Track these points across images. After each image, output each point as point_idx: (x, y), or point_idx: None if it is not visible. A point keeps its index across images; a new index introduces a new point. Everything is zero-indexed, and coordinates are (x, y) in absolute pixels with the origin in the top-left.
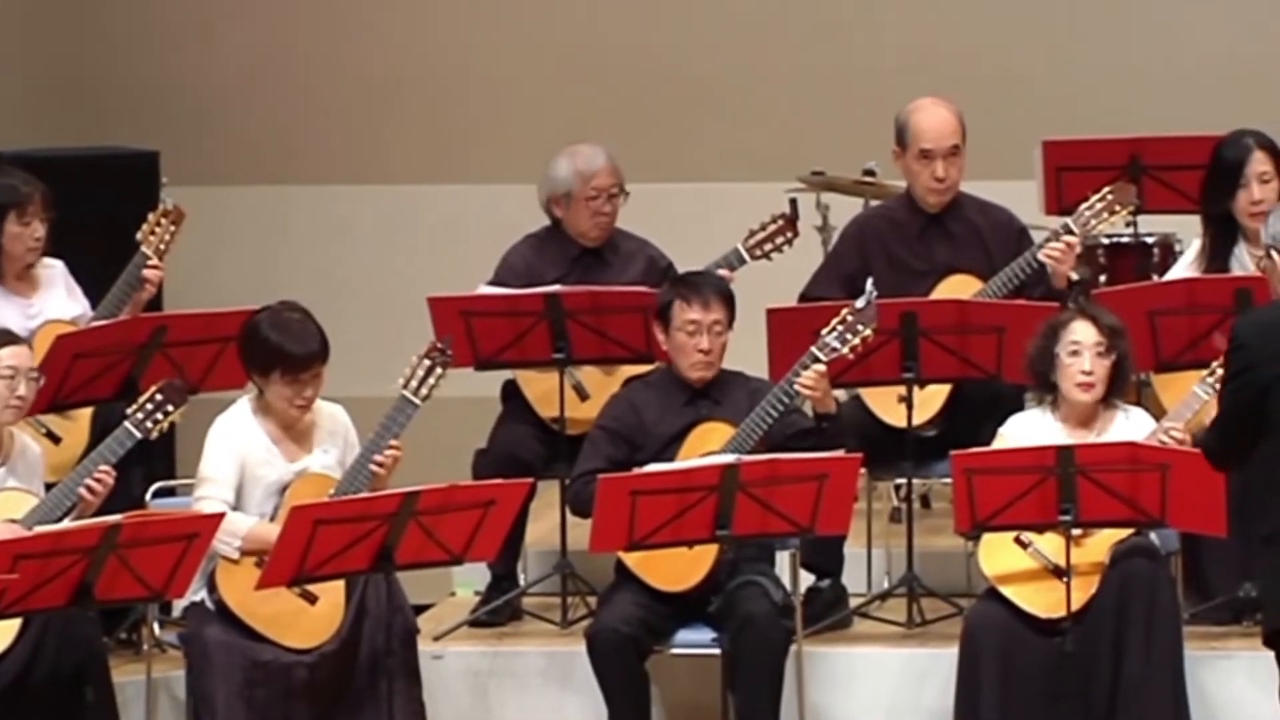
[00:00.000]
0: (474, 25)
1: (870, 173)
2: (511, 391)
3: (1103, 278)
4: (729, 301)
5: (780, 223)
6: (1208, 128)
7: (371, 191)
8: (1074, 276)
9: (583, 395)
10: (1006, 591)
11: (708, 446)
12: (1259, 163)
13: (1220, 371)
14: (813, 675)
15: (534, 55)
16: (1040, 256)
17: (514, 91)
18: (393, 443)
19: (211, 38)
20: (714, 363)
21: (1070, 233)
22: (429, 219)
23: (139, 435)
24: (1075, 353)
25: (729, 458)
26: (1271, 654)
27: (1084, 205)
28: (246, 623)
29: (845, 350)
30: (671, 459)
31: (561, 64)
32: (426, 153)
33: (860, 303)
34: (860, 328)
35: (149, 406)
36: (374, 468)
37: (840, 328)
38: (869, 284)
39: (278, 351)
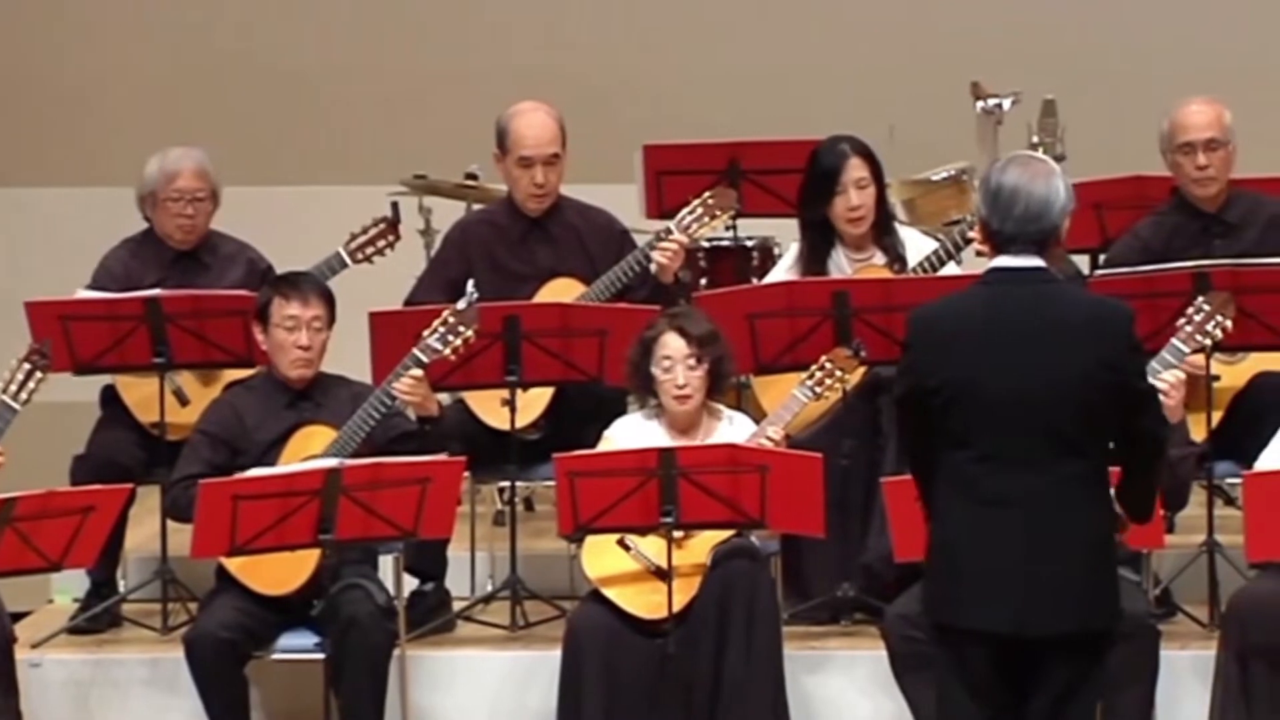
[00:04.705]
0: (76, 25)
1: (472, 176)
2: (110, 396)
3: (703, 281)
4: (328, 299)
5: (382, 226)
6: (805, 132)
7: None
8: (679, 278)
9: (183, 400)
10: (609, 593)
11: (309, 450)
12: (855, 169)
13: (819, 374)
14: (416, 678)
15: (136, 56)
16: (654, 256)
17: (115, 93)
18: None
19: None
20: (313, 360)
21: (672, 235)
22: (27, 222)
23: None
24: (668, 368)
25: (332, 462)
26: (866, 653)
27: (685, 209)
28: None
29: (447, 351)
30: (273, 463)
31: (162, 64)
32: (25, 155)
33: (461, 304)
34: (462, 329)
35: None
36: None
37: (442, 329)
38: (469, 285)
39: None
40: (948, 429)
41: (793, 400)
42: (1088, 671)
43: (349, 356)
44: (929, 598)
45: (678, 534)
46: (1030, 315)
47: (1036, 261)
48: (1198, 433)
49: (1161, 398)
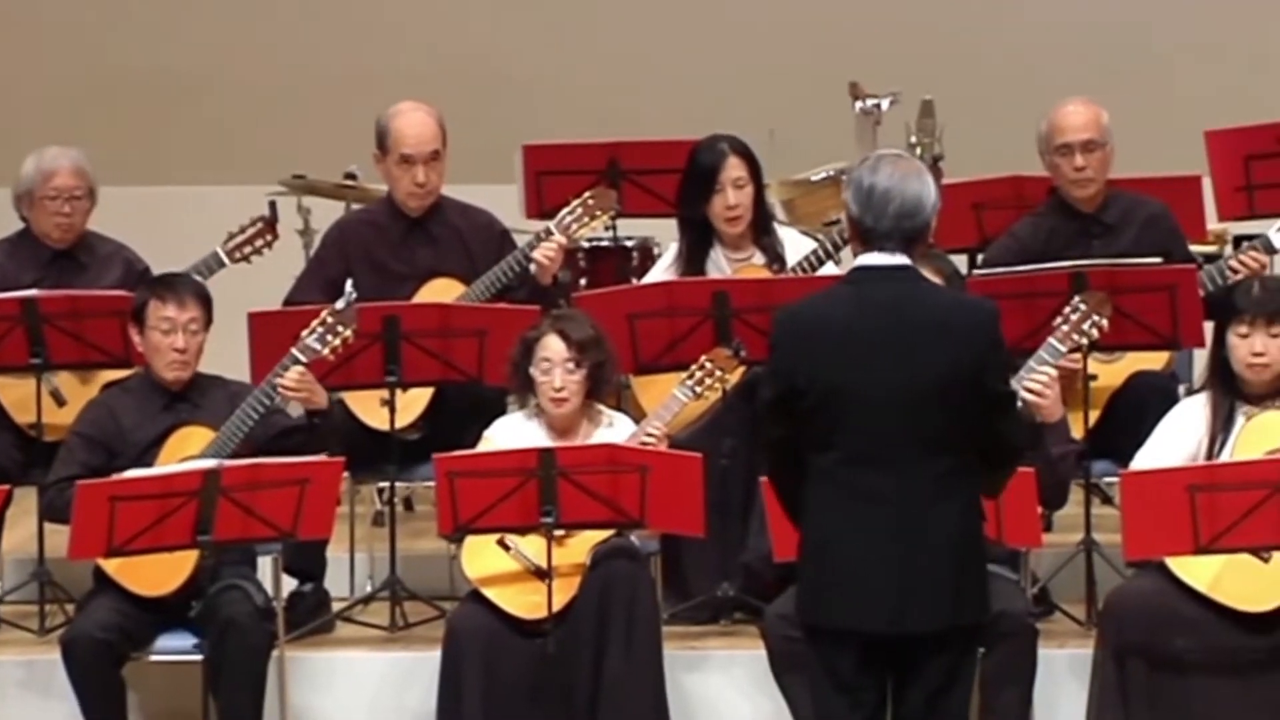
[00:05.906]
0: None
1: (352, 176)
2: None
3: (583, 281)
4: (205, 301)
5: (260, 225)
6: (685, 132)
7: None
8: (558, 279)
9: (60, 401)
10: (489, 593)
11: (186, 451)
12: (733, 168)
13: (699, 374)
14: (295, 679)
15: (13, 58)
16: (534, 257)
17: None
18: None
19: None
20: (190, 362)
21: (552, 235)
22: None
23: None
24: (546, 370)
25: (210, 463)
26: (746, 653)
27: (565, 209)
28: None
29: (325, 351)
30: (150, 464)
31: (39, 62)
32: None
33: (340, 304)
34: (340, 329)
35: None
36: None
37: (320, 329)
38: (348, 285)
39: None
40: (816, 430)
41: (673, 400)
42: (959, 665)
43: (227, 356)
44: (801, 601)
45: (558, 534)
46: (895, 315)
47: (902, 260)
48: (1077, 431)
49: (1035, 397)
